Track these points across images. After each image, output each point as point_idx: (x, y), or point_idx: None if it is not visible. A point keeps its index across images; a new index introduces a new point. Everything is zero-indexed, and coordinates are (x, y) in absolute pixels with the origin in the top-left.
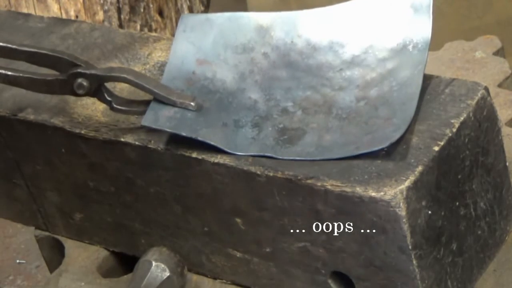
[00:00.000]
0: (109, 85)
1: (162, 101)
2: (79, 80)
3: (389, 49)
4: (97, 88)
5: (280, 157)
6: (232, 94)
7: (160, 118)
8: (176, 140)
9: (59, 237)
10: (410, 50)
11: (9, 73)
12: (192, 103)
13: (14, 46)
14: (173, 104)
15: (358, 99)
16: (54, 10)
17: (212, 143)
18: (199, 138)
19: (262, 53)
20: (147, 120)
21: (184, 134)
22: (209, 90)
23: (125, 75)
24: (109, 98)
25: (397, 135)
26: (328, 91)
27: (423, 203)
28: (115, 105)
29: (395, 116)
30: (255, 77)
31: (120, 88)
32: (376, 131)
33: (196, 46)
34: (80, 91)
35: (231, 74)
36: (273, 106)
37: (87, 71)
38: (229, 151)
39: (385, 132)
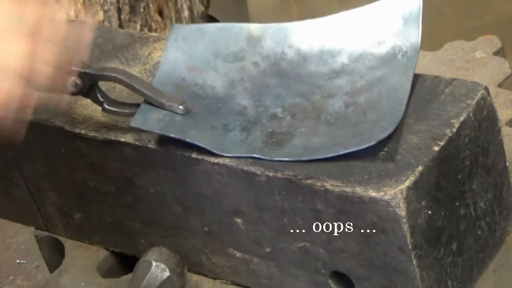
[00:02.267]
0: (108, 85)
1: (152, 103)
2: (73, 78)
3: (379, 58)
4: (90, 87)
5: (268, 158)
6: (222, 100)
7: (149, 120)
8: (176, 140)
9: (59, 237)
10: (400, 58)
11: None
12: (180, 107)
13: None
14: (162, 107)
15: (347, 105)
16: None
17: (200, 144)
18: (187, 140)
19: (253, 62)
20: (136, 121)
21: (172, 135)
22: (198, 96)
23: (116, 75)
24: (101, 99)
25: (384, 134)
26: (317, 98)
27: (423, 203)
28: (107, 106)
29: (383, 120)
30: (245, 84)
31: (120, 89)
32: (364, 134)
33: (187, 54)
34: (74, 90)
35: (221, 81)
36: (262, 111)
37: (81, 70)
38: (217, 152)
39: (372, 133)
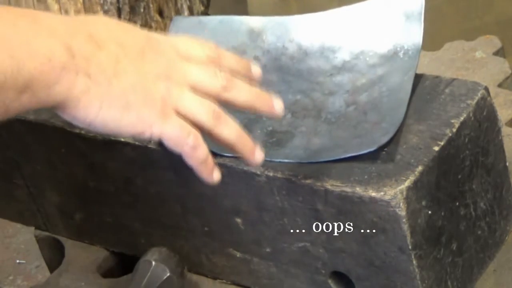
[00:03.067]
0: None
1: None
2: None
3: (380, 56)
4: None
5: (268, 159)
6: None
7: None
8: None
9: (59, 237)
10: (401, 56)
11: None
12: None
13: None
14: None
15: (347, 103)
16: (54, 10)
17: None
18: None
19: (253, 57)
20: None
21: None
22: None
23: None
24: None
25: (385, 139)
26: (318, 95)
27: (423, 203)
28: None
29: (384, 121)
30: None
31: None
32: (365, 135)
33: None
34: None
35: None
36: None
37: None
38: (217, 152)
39: (373, 136)
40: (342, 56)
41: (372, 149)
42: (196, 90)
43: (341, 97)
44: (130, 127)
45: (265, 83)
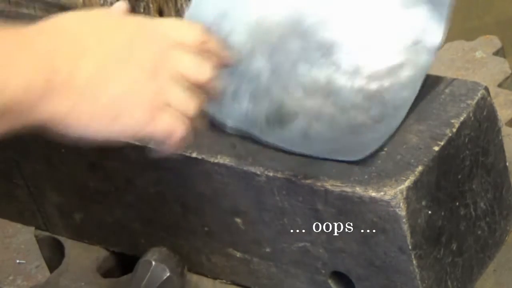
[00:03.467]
0: None
1: None
2: None
3: (400, 46)
4: None
5: (264, 139)
6: (239, 59)
7: None
8: None
9: (59, 237)
10: (419, 50)
11: None
12: None
13: None
14: None
15: (359, 89)
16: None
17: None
18: None
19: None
20: None
21: None
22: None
23: None
24: None
25: (374, 146)
26: (333, 74)
27: (423, 203)
28: None
29: (383, 120)
30: (266, 45)
31: None
32: (360, 134)
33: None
34: None
35: (243, 37)
36: (275, 80)
37: None
38: (220, 120)
39: (367, 138)
40: (362, 38)
41: (357, 158)
42: (185, 79)
43: (353, 81)
44: (123, 132)
45: (283, 52)
